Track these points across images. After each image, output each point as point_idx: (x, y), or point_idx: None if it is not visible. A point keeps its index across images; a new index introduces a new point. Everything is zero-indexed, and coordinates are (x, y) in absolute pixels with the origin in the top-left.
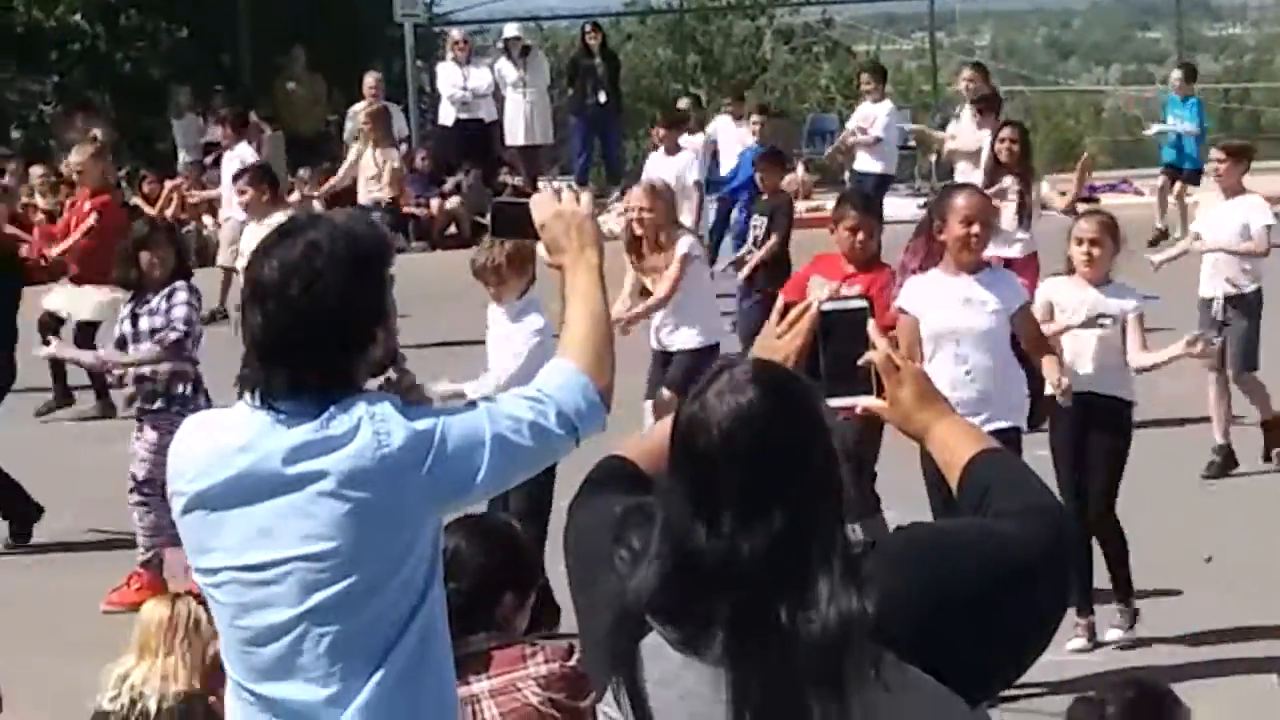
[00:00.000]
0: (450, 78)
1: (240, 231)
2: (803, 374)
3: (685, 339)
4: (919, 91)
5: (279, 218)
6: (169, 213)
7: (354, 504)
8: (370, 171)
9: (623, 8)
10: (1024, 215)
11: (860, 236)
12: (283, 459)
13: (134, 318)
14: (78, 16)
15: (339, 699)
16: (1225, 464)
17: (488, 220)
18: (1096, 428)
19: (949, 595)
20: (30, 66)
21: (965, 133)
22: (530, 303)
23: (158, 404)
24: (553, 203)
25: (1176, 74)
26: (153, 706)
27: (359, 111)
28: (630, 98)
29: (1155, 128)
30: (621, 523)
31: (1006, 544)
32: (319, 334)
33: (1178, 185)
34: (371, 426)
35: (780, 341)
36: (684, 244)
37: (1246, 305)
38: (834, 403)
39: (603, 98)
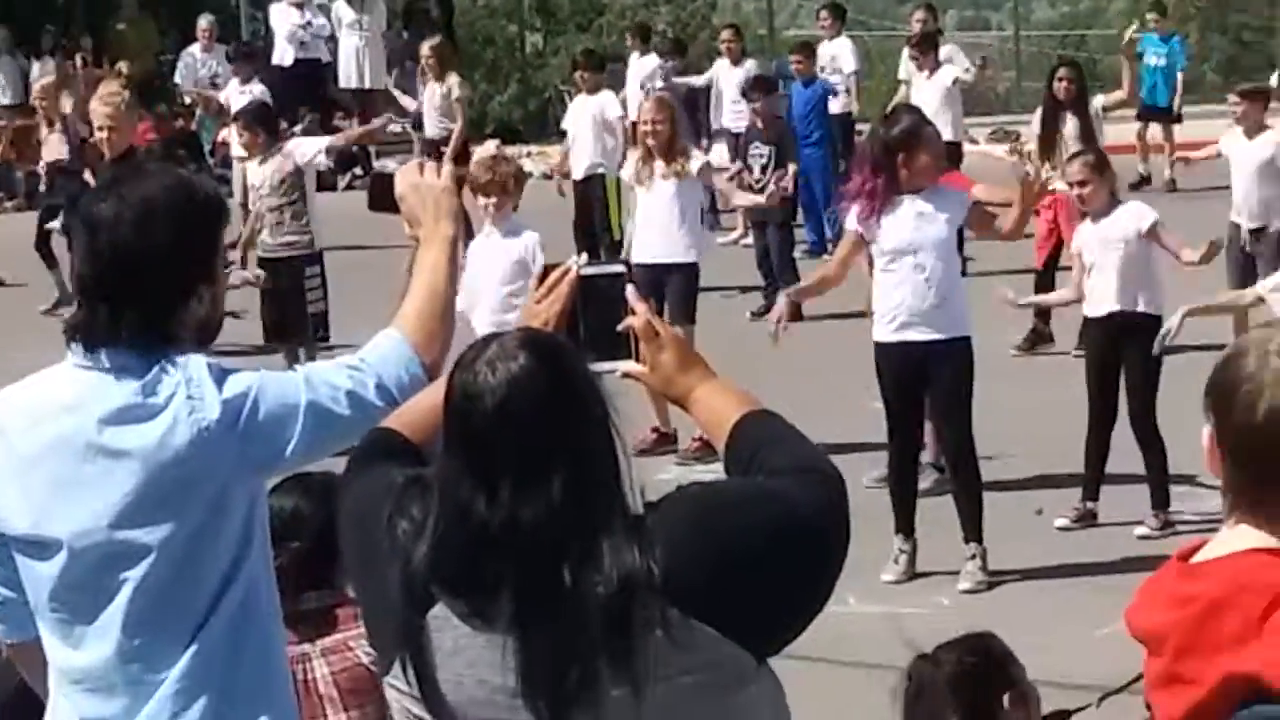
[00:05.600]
0: (288, 16)
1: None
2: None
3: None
4: (756, 36)
5: (278, 157)
6: None
7: (162, 473)
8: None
9: None
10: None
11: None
12: (100, 421)
13: None
14: None
15: (153, 669)
16: None
17: (365, 191)
18: (1128, 343)
19: (729, 552)
20: None
21: (912, 73)
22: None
23: None
24: (414, 175)
25: (1151, 14)
26: None
27: None
28: (464, 41)
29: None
30: (401, 494)
31: (784, 501)
32: (143, 274)
33: (1153, 127)
34: (186, 392)
35: (539, 306)
36: (696, 156)
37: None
38: (593, 368)
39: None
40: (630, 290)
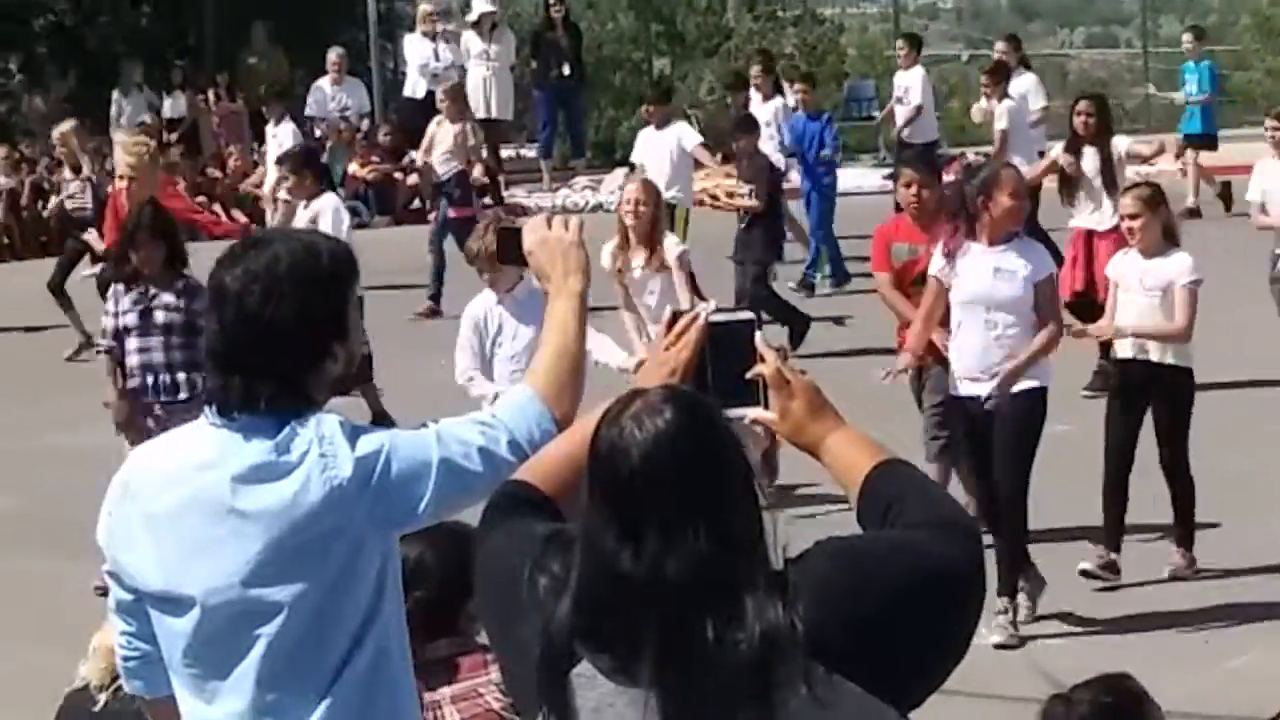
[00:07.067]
0: (421, 49)
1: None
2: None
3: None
4: (883, 57)
5: (325, 201)
6: None
7: (296, 531)
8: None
9: None
10: (1109, 187)
11: (915, 192)
12: (233, 479)
13: (146, 311)
14: None
15: None
16: None
17: (495, 245)
18: (1158, 396)
19: (872, 607)
20: None
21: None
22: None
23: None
24: (542, 229)
25: (1187, 36)
26: None
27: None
28: (592, 67)
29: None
30: (542, 550)
31: (926, 555)
32: (275, 344)
33: (1188, 153)
34: (319, 450)
35: (669, 354)
36: (672, 243)
37: None
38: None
39: (566, 70)
40: (759, 338)
